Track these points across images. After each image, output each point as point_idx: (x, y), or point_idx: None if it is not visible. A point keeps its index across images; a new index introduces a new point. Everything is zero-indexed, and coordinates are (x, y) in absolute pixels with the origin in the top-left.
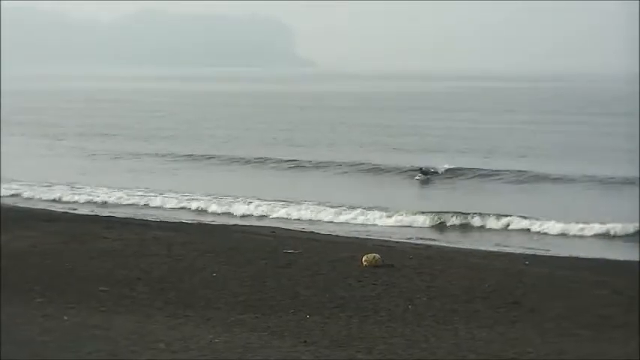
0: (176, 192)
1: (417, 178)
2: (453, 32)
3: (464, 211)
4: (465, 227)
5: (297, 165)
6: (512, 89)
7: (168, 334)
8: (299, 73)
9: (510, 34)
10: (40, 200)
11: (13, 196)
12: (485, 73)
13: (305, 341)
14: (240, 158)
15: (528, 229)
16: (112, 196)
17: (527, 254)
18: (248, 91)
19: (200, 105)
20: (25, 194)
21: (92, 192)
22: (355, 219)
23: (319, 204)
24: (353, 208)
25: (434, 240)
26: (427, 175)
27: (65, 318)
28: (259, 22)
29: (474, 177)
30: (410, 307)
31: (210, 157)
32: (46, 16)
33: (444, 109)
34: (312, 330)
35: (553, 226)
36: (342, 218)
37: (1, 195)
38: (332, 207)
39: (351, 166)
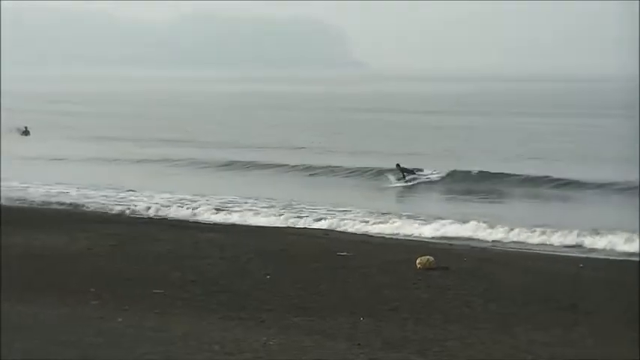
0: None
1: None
2: (520, 33)
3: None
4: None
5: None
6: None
7: (222, 335)
8: (351, 75)
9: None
10: (93, 203)
11: (60, 195)
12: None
13: (359, 344)
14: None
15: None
16: (166, 199)
17: (581, 257)
18: (301, 93)
19: (253, 107)
20: (75, 196)
21: (147, 195)
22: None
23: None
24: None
25: (488, 242)
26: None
27: (119, 320)
28: (308, 23)
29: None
30: (465, 309)
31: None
32: (99, 17)
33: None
34: (366, 332)
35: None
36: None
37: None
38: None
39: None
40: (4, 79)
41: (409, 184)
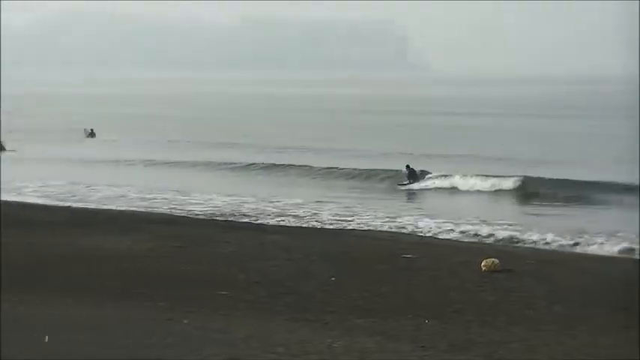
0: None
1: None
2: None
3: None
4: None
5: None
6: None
7: (287, 337)
8: (413, 77)
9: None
10: (156, 205)
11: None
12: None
13: (423, 346)
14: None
15: None
16: (228, 201)
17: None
18: (362, 96)
19: (312, 110)
20: (138, 198)
21: (211, 197)
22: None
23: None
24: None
25: (552, 245)
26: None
27: (185, 321)
28: (370, 25)
29: None
30: (529, 311)
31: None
32: (158, 20)
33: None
34: (431, 334)
35: None
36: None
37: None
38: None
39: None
40: (67, 82)
41: (415, 186)
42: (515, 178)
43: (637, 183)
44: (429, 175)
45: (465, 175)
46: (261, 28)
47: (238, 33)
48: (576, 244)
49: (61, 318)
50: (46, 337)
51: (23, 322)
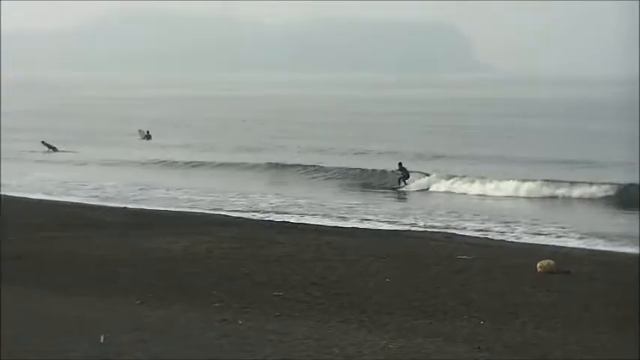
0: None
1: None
2: None
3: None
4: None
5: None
6: None
7: (343, 338)
8: (477, 79)
9: None
10: (214, 206)
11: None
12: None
13: (479, 347)
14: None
15: None
16: (285, 202)
17: None
18: (430, 98)
19: (379, 114)
20: (194, 199)
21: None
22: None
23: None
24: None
25: (608, 246)
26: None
27: (240, 322)
28: (434, 27)
29: None
30: (585, 313)
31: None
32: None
33: None
34: (486, 336)
35: None
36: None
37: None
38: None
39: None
40: (138, 84)
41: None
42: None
43: None
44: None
45: (525, 180)
46: (322, 29)
47: (305, 34)
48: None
49: (122, 318)
50: (102, 337)
51: (88, 323)
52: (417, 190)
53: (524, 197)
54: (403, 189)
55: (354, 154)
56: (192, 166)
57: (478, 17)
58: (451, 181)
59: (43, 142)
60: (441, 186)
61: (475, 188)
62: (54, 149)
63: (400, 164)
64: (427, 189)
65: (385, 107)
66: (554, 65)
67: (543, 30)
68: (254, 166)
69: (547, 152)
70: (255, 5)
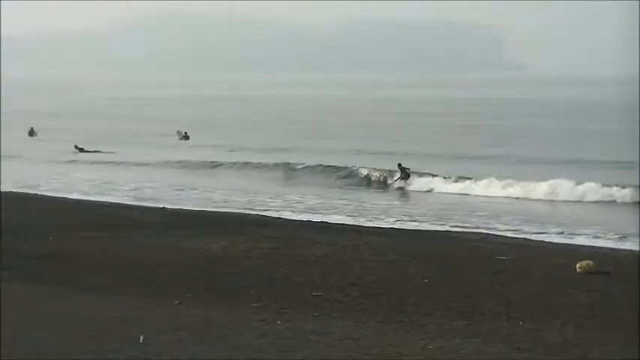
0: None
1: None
2: None
3: None
4: None
5: None
6: None
7: (381, 339)
8: (510, 78)
9: None
10: (253, 206)
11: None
12: None
13: (518, 348)
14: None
15: None
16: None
17: None
18: (464, 98)
19: (410, 114)
20: (231, 200)
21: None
22: None
23: None
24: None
25: None
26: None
27: (278, 322)
28: (466, 26)
29: None
30: (626, 313)
31: None
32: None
33: None
34: (526, 336)
35: None
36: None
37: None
38: None
39: None
40: (168, 84)
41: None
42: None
43: None
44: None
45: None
46: (358, 30)
47: (339, 36)
48: None
49: (161, 318)
50: (141, 337)
51: (127, 323)
52: (452, 193)
53: (559, 199)
54: (400, 187)
55: (386, 154)
56: (229, 167)
57: (511, 16)
58: (484, 182)
59: (75, 146)
60: (475, 188)
61: (507, 190)
62: (82, 150)
63: (399, 165)
64: (462, 192)
65: (413, 107)
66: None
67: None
68: (290, 167)
69: (579, 152)
70: (281, 5)
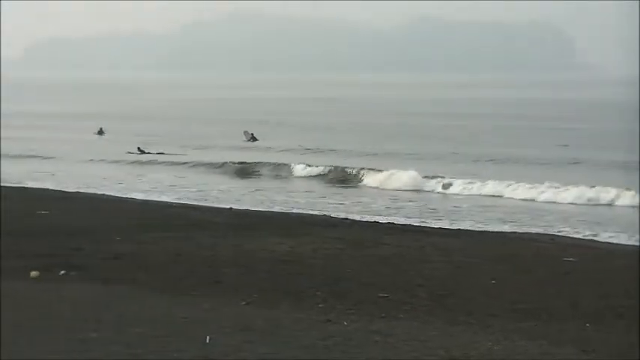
0: None
1: None
2: None
3: None
4: None
5: None
6: None
7: (448, 340)
8: (579, 79)
9: None
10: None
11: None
12: None
13: (584, 350)
14: None
15: None
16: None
17: None
18: (534, 98)
19: (471, 115)
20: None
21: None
22: None
23: None
24: None
25: None
26: None
27: (345, 323)
28: (536, 27)
29: None
30: None
31: None
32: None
33: None
34: (592, 339)
35: None
36: None
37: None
38: None
39: None
40: (237, 85)
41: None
42: None
43: None
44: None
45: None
46: (419, 31)
47: (394, 36)
48: None
49: (228, 319)
50: (208, 337)
51: (194, 323)
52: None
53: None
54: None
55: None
56: (296, 168)
57: (584, 17)
58: (556, 186)
59: (138, 148)
60: (545, 193)
61: (578, 194)
62: (144, 152)
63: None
64: (531, 197)
65: (488, 109)
66: None
67: None
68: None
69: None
70: (353, 5)
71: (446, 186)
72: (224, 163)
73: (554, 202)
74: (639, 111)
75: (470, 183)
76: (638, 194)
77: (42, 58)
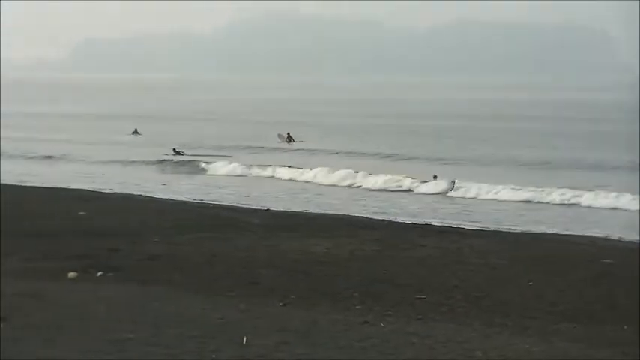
0: None
1: None
2: None
3: None
4: None
5: None
6: None
7: (485, 342)
8: (620, 81)
9: None
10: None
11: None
12: None
13: (623, 352)
14: None
15: None
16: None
17: None
18: (575, 101)
19: (511, 117)
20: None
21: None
22: None
23: None
24: None
25: None
26: None
27: (382, 325)
28: (575, 29)
29: None
30: None
31: None
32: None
33: None
34: (630, 341)
35: None
36: None
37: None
38: None
39: None
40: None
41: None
42: None
43: None
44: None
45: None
46: (455, 33)
47: (431, 37)
48: None
49: (265, 320)
50: (245, 338)
51: (231, 324)
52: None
53: None
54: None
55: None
56: (331, 170)
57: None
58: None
59: (174, 149)
60: (582, 197)
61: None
62: (180, 153)
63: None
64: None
65: (533, 111)
66: None
67: None
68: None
69: None
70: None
71: (484, 190)
72: (260, 164)
73: (595, 208)
74: None
75: (513, 189)
76: None
77: (85, 59)
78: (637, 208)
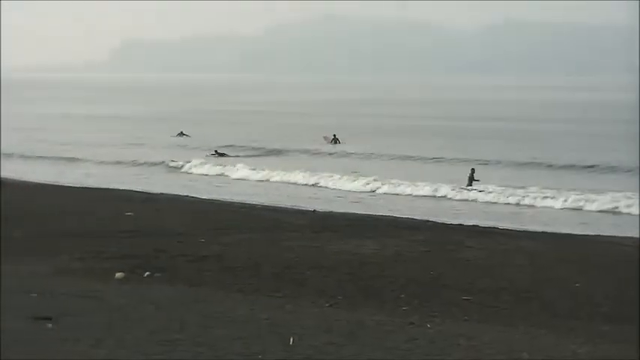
0: None
1: None
2: None
3: None
4: None
5: None
6: None
7: (532, 343)
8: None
9: None
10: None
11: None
12: None
13: None
14: None
15: None
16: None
17: None
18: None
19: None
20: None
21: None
22: None
23: None
24: None
25: None
26: None
27: (428, 326)
28: (613, 28)
29: None
30: None
31: None
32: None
33: None
34: None
35: None
36: None
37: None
38: None
39: None
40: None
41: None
42: None
43: None
44: None
45: None
46: (502, 33)
47: (478, 38)
48: None
49: (311, 320)
50: (291, 339)
51: (277, 325)
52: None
53: None
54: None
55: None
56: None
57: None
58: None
59: (215, 151)
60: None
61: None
62: (223, 155)
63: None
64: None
65: (566, 113)
66: None
67: None
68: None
69: None
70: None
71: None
72: (305, 167)
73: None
74: None
75: (553, 196)
76: None
77: (126, 61)
78: None
